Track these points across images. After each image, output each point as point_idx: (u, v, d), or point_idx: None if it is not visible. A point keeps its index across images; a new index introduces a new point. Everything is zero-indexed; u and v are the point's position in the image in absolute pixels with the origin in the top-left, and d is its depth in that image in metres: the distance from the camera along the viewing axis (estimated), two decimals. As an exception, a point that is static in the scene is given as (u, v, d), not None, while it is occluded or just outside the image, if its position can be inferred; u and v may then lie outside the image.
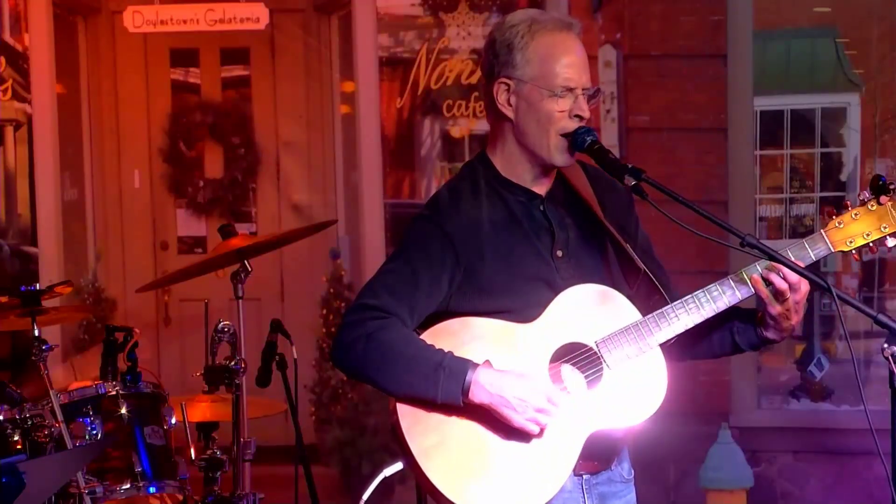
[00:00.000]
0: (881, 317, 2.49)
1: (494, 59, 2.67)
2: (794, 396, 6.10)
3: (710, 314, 2.63)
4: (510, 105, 2.66)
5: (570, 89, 2.62)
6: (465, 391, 2.53)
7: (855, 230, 2.62)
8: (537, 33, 2.64)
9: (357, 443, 6.23)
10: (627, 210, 2.82)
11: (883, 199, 2.61)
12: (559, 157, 2.66)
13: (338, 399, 6.42)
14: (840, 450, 5.62)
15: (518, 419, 2.53)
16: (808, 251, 2.63)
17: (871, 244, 2.63)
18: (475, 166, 2.76)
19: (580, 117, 2.64)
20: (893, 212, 2.61)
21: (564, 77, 2.62)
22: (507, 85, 2.65)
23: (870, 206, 2.62)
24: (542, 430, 2.56)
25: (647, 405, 2.61)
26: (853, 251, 2.64)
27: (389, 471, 2.68)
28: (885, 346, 2.49)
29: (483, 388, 2.53)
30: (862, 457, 5.44)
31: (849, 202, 2.65)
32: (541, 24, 2.65)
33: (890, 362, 2.49)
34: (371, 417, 6.20)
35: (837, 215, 2.64)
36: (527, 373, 2.57)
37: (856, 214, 2.63)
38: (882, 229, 2.62)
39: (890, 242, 2.63)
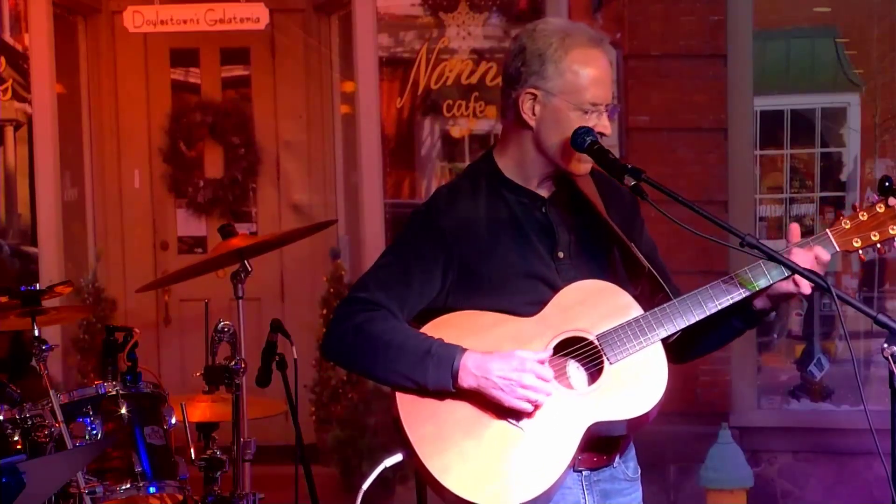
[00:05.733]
0: (881, 317, 2.49)
1: (523, 67, 2.65)
2: (794, 396, 6.09)
3: (713, 310, 2.63)
4: (534, 115, 2.66)
5: (596, 105, 2.63)
6: (455, 377, 2.55)
7: (862, 231, 2.63)
8: (571, 48, 2.63)
9: (357, 443, 6.23)
10: (632, 213, 2.82)
11: (891, 200, 2.62)
12: (580, 167, 2.67)
13: (338, 399, 6.42)
14: (840, 450, 5.63)
15: (507, 399, 2.54)
16: None
17: (878, 245, 2.64)
18: (479, 166, 2.78)
19: (602, 134, 2.64)
20: None
21: (593, 94, 2.62)
22: (535, 95, 2.65)
23: (878, 208, 2.63)
24: (534, 413, 2.55)
25: (647, 398, 2.61)
26: (860, 252, 2.64)
27: (390, 461, 2.68)
28: (885, 346, 2.50)
29: (470, 371, 2.55)
30: (862, 457, 5.44)
31: (857, 204, 2.66)
32: (574, 39, 2.64)
33: (890, 362, 2.49)
34: (371, 417, 6.20)
35: (844, 216, 2.64)
36: (512, 352, 2.57)
37: (863, 216, 2.63)
38: (891, 231, 2.63)
39: (898, 243, 2.64)
